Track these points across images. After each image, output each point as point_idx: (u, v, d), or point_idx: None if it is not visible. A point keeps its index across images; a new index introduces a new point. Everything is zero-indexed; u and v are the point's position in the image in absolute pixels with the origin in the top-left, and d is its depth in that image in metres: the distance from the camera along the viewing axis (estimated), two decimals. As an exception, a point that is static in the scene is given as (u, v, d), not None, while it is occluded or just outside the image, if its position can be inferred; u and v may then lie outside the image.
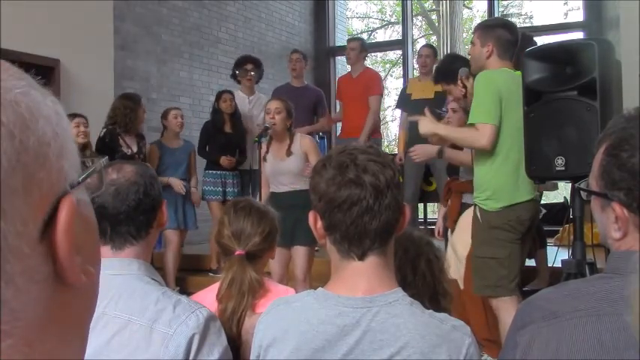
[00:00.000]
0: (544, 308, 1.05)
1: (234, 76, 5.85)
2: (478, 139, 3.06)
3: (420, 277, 1.31)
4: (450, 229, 3.87)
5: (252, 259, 1.92)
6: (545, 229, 4.26)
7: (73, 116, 4.47)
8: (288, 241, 3.95)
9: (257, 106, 5.75)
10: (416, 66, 6.51)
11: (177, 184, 5.05)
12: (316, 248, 4.24)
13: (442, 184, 5.19)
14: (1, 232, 0.39)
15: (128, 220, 1.46)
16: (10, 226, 0.40)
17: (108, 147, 4.75)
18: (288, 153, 4.06)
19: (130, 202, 1.45)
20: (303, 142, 4.12)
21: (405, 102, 5.83)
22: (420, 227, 5.98)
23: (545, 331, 1.02)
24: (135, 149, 4.93)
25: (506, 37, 3.19)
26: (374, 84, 5.98)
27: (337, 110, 6.27)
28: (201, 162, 5.43)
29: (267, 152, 4.17)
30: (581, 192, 1.01)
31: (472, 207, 3.37)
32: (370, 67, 7.10)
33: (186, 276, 5.21)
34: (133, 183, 1.47)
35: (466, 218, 3.48)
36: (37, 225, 0.42)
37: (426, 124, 3.24)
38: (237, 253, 1.90)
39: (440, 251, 1.74)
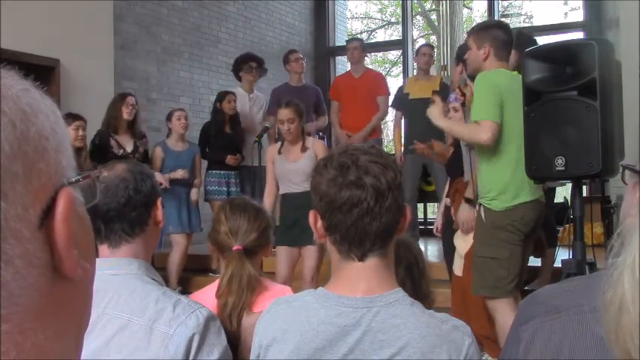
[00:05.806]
0: (547, 303, 1.05)
1: (236, 72, 5.83)
2: (480, 134, 3.05)
3: (399, 284, 1.31)
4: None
5: (248, 255, 1.93)
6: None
7: (73, 118, 4.39)
8: (299, 241, 3.96)
9: (256, 104, 5.77)
10: (415, 65, 6.49)
11: (179, 173, 5.00)
12: None
13: (441, 184, 5.19)
14: (2, 213, 0.40)
15: (120, 217, 1.45)
16: (10, 208, 0.41)
17: (98, 149, 4.72)
18: (300, 155, 4.08)
19: (119, 198, 1.45)
20: (316, 145, 4.16)
21: (402, 101, 5.83)
22: (420, 227, 5.99)
23: (548, 325, 1.01)
24: (129, 149, 4.84)
25: (502, 37, 3.18)
26: (380, 85, 6.00)
27: (331, 110, 6.15)
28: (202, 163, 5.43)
29: (281, 146, 4.19)
30: (627, 170, 0.99)
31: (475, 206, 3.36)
32: (372, 67, 7.12)
33: (189, 276, 5.21)
34: (122, 179, 1.46)
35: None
36: (37, 213, 0.43)
37: (433, 111, 3.24)
38: (235, 248, 1.91)
39: (420, 253, 1.78)
